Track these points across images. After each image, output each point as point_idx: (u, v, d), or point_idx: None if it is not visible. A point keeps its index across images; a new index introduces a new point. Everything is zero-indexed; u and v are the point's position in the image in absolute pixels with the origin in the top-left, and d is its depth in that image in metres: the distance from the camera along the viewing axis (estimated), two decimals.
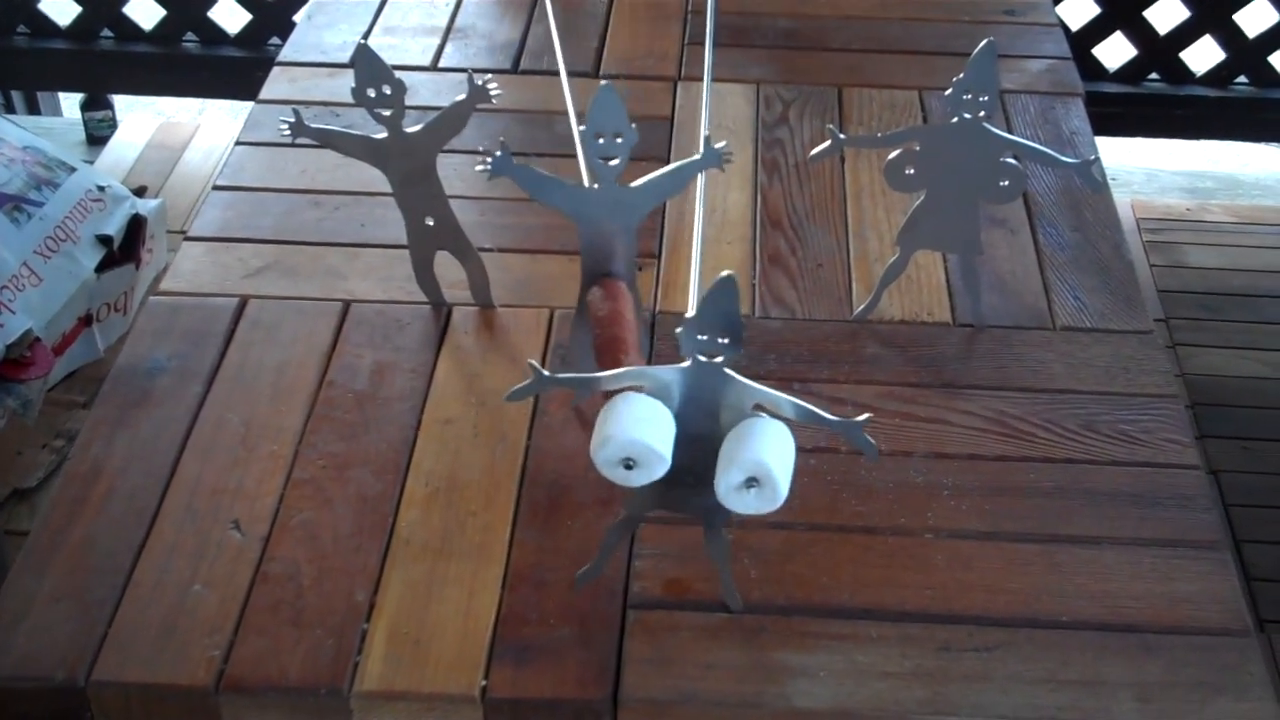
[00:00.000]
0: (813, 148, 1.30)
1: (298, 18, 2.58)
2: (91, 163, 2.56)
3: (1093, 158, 1.21)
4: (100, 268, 2.20)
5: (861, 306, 1.32)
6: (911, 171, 1.22)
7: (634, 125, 1.04)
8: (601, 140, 1.05)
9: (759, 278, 1.37)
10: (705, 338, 0.88)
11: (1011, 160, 1.20)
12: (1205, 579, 1.07)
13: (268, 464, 1.16)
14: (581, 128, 1.05)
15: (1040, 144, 1.30)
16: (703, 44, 1.75)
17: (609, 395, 0.92)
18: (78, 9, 2.74)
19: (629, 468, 0.90)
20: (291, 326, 1.30)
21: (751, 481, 0.89)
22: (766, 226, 1.44)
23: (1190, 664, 1.01)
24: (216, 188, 1.49)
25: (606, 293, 1.12)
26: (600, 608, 1.04)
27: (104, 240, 2.21)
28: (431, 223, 1.26)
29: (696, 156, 1.09)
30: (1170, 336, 2.26)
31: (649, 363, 1.22)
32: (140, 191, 2.45)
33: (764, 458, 0.88)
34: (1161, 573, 1.08)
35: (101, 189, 2.26)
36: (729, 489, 0.90)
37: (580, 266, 1.13)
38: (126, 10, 2.74)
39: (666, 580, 1.06)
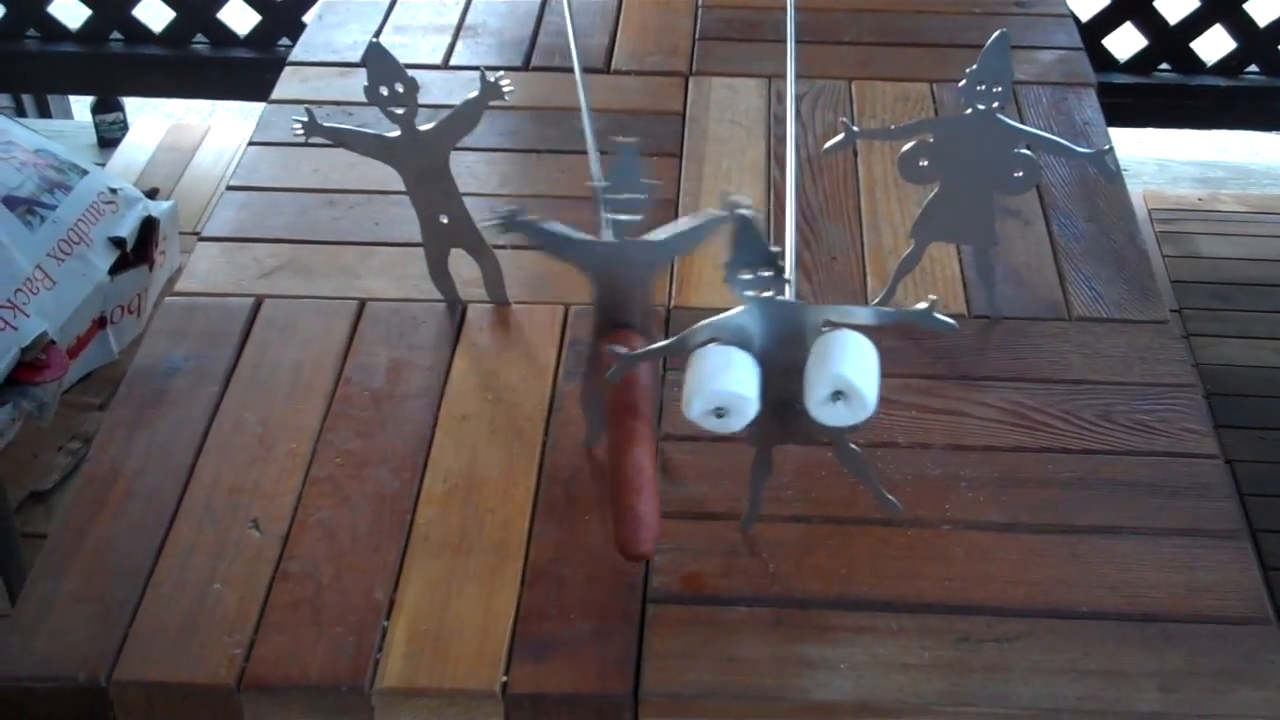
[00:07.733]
0: (825, 141, 1.30)
1: (308, 18, 2.58)
2: (103, 165, 2.56)
3: (1107, 147, 1.21)
4: (113, 270, 2.21)
5: (877, 299, 1.32)
6: (925, 163, 1.22)
7: (648, 182, 1.03)
8: (618, 197, 1.04)
9: None
10: (750, 276, 0.94)
11: (1025, 151, 1.20)
12: (1225, 568, 1.07)
13: (285, 463, 1.16)
14: (597, 183, 1.05)
15: (1053, 135, 1.30)
16: (714, 39, 1.75)
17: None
18: (87, 12, 2.74)
19: (720, 416, 0.95)
20: (307, 326, 1.30)
21: (837, 395, 0.95)
22: (780, 220, 1.44)
23: (1211, 653, 1.01)
24: (230, 188, 1.49)
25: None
26: (619, 603, 1.04)
27: (117, 242, 2.21)
28: (446, 220, 1.26)
29: (719, 212, 1.03)
30: (1184, 327, 2.25)
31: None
32: (152, 193, 2.45)
33: (842, 370, 0.94)
34: (1181, 562, 1.08)
35: (114, 191, 2.26)
36: (817, 405, 0.96)
37: (592, 314, 1.10)
38: (136, 13, 2.74)
39: (685, 575, 1.06)
